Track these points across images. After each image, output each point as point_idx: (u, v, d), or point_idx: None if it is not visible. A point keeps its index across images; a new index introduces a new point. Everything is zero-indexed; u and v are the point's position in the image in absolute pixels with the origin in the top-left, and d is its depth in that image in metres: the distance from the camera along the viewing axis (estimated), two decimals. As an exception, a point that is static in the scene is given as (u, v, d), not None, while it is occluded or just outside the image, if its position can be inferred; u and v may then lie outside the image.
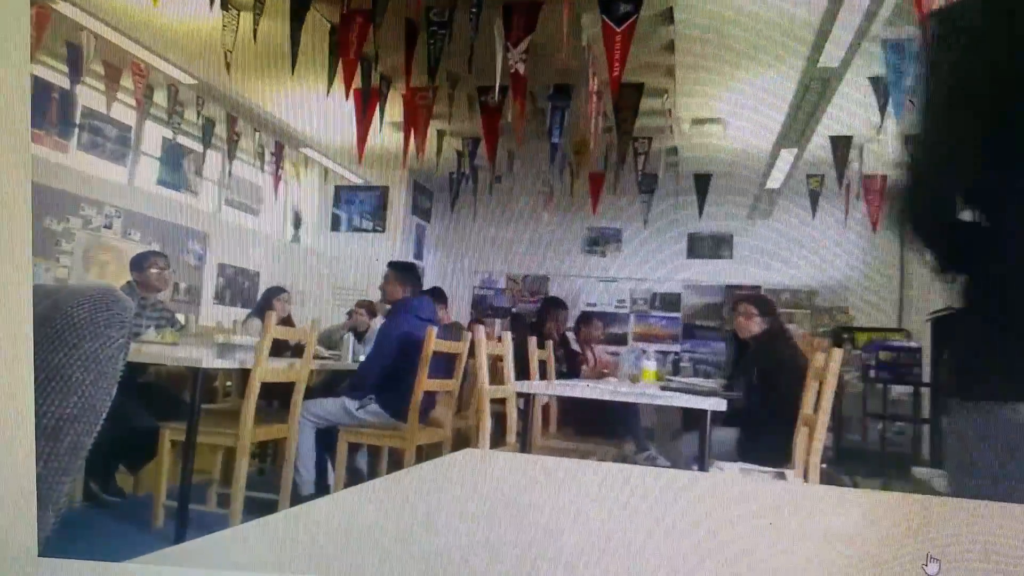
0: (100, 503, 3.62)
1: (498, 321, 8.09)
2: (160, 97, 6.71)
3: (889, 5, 4.32)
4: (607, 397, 3.31)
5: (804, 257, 8.03)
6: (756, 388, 3.73)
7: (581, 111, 5.98)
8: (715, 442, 3.39)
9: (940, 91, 1.11)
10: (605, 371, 5.04)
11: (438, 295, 5.22)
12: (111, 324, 0.93)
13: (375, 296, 4.91)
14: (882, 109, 5.12)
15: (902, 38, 4.65)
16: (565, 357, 5.21)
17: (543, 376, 4.31)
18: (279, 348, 3.95)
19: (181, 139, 7.22)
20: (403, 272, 4.31)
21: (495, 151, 6.46)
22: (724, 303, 8.35)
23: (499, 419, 3.58)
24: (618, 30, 4.51)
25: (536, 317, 5.72)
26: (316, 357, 3.94)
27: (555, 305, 5.56)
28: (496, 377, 3.58)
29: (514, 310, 8.71)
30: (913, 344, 6.87)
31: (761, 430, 3.51)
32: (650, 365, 4.03)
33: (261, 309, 5.03)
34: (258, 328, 3.61)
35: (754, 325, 3.93)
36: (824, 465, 3.15)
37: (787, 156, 6.84)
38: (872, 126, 5.50)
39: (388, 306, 4.32)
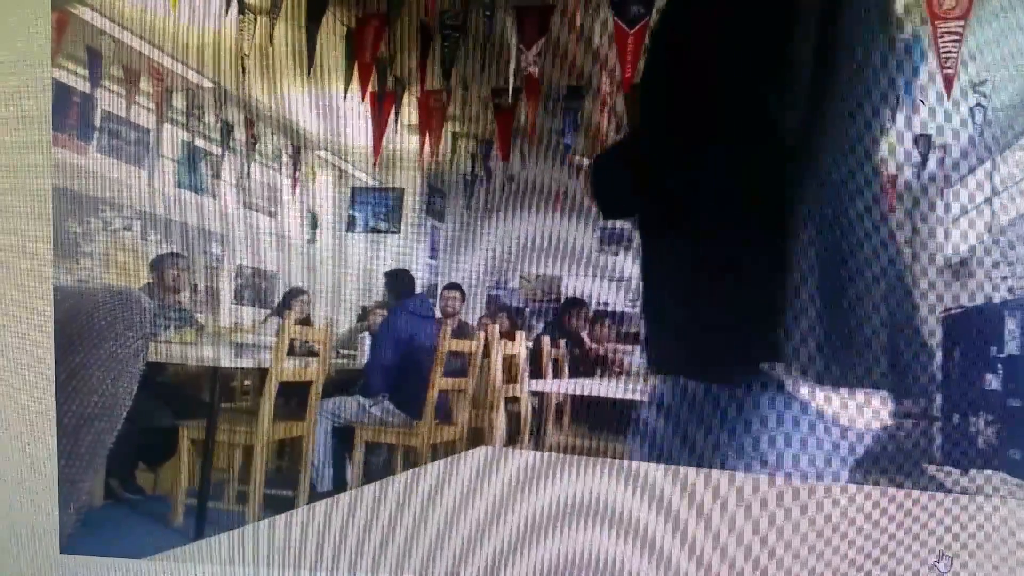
0: (120, 501, 3.66)
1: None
2: (178, 100, 6.76)
3: (900, 3, 4.29)
4: (620, 395, 3.32)
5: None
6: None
7: (593, 112, 5.98)
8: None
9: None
10: (618, 369, 5.04)
11: (454, 288, 5.28)
12: (131, 325, 0.95)
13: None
14: (893, 108, 5.08)
15: (912, 37, 4.62)
16: (581, 356, 5.22)
17: (556, 375, 4.32)
18: (293, 347, 3.98)
19: (199, 142, 7.27)
20: (391, 278, 4.49)
21: (508, 152, 6.47)
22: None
23: (514, 417, 3.60)
24: (630, 32, 4.51)
25: (557, 316, 5.74)
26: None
27: (575, 304, 5.59)
28: (510, 375, 3.60)
29: (527, 309, 8.70)
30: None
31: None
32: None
33: (281, 310, 5.08)
34: (277, 327, 3.65)
35: None
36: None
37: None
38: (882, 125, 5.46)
39: None
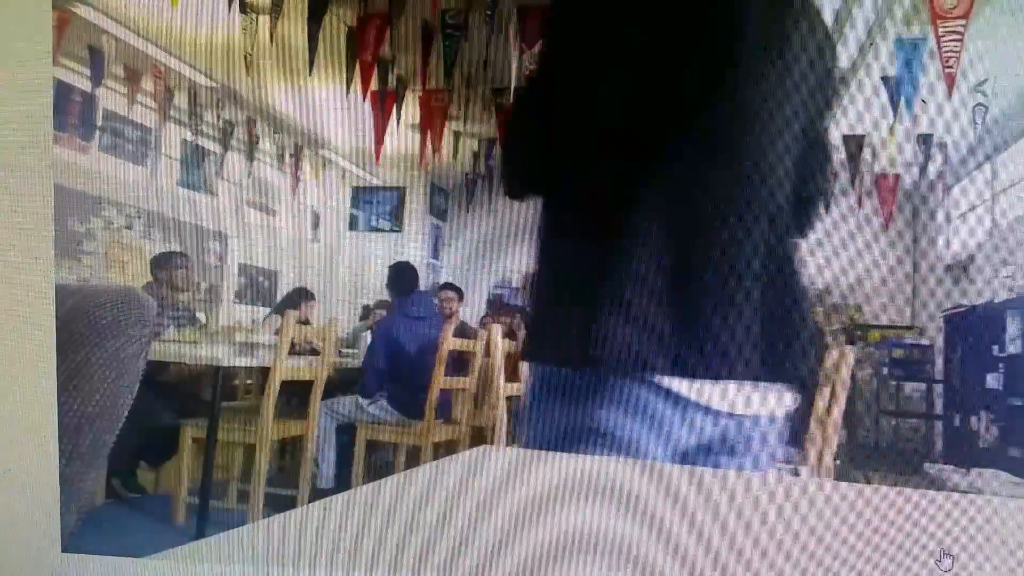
0: (122, 499, 3.66)
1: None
2: (180, 99, 6.76)
3: (902, 3, 4.29)
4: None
5: (817, 255, 7.96)
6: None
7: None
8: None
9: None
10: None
11: (450, 289, 5.27)
12: (133, 323, 0.95)
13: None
14: (894, 108, 5.09)
15: (914, 37, 4.63)
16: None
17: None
18: (294, 346, 3.98)
19: (201, 141, 7.28)
20: (394, 272, 4.46)
21: (510, 152, 6.46)
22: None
23: (516, 417, 3.59)
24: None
25: None
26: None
27: None
28: (512, 374, 3.59)
29: (529, 308, 8.68)
30: (926, 342, 6.83)
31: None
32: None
33: (281, 308, 5.05)
34: (277, 326, 3.64)
35: None
36: (837, 461, 3.14)
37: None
38: (884, 125, 5.47)
39: None
